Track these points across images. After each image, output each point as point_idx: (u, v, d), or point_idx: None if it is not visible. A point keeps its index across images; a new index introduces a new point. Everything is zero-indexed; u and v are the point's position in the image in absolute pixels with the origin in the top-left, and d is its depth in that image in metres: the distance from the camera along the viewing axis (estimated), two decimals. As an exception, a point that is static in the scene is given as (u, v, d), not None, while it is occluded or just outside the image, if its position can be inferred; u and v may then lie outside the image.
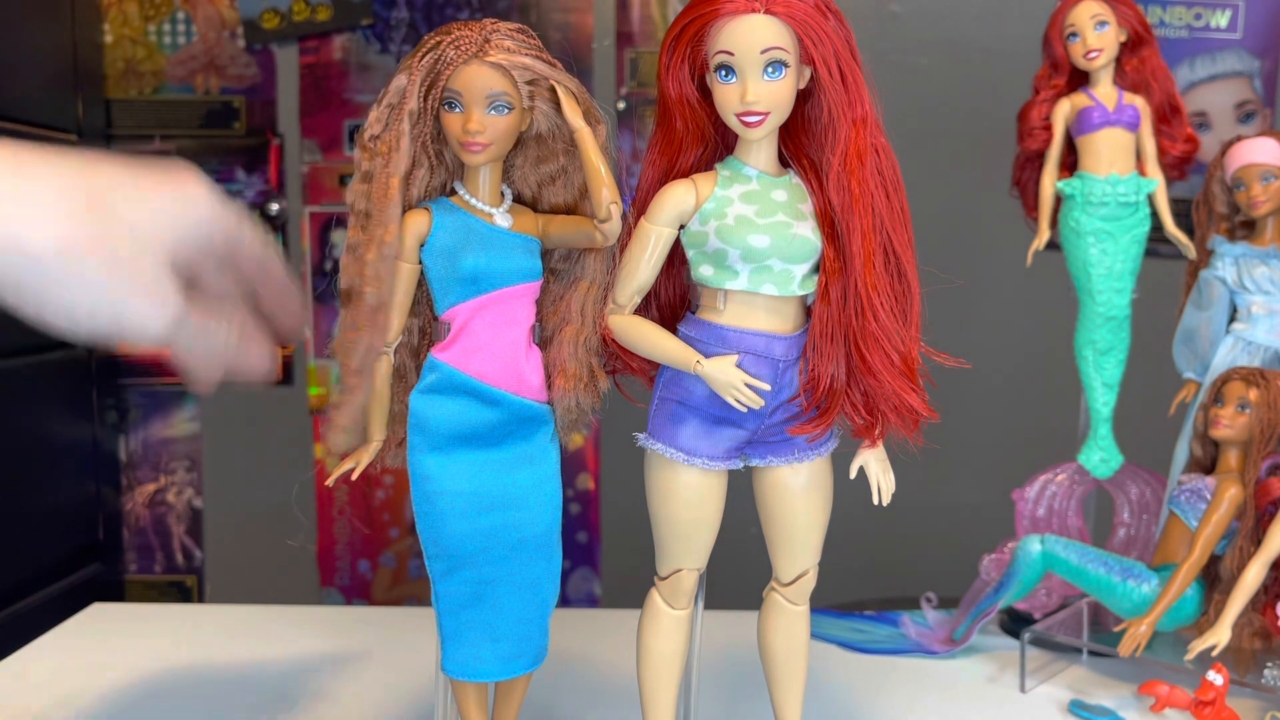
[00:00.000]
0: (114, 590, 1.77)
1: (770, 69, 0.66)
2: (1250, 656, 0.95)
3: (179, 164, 0.60)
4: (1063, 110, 1.07)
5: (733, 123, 0.68)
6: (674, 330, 0.71)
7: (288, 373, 1.77)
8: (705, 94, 0.70)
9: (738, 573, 0.97)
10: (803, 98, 0.70)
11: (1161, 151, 1.08)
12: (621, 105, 1.71)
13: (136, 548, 1.80)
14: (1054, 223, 1.09)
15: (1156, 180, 1.06)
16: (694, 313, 0.72)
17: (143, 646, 1.05)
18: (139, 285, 0.55)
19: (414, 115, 0.66)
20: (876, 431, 0.72)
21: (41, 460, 1.58)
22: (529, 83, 0.66)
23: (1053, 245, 1.09)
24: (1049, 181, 1.08)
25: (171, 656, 1.03)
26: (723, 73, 0.67)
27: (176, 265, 0.58)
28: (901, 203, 0.70)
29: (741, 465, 0.73)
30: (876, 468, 0.73)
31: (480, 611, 0.70)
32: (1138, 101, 1.06)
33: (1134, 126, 1.05)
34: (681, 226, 0.70)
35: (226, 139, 1.71)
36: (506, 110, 0.65)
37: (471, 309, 0.68)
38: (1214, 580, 0.96)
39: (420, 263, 0.68)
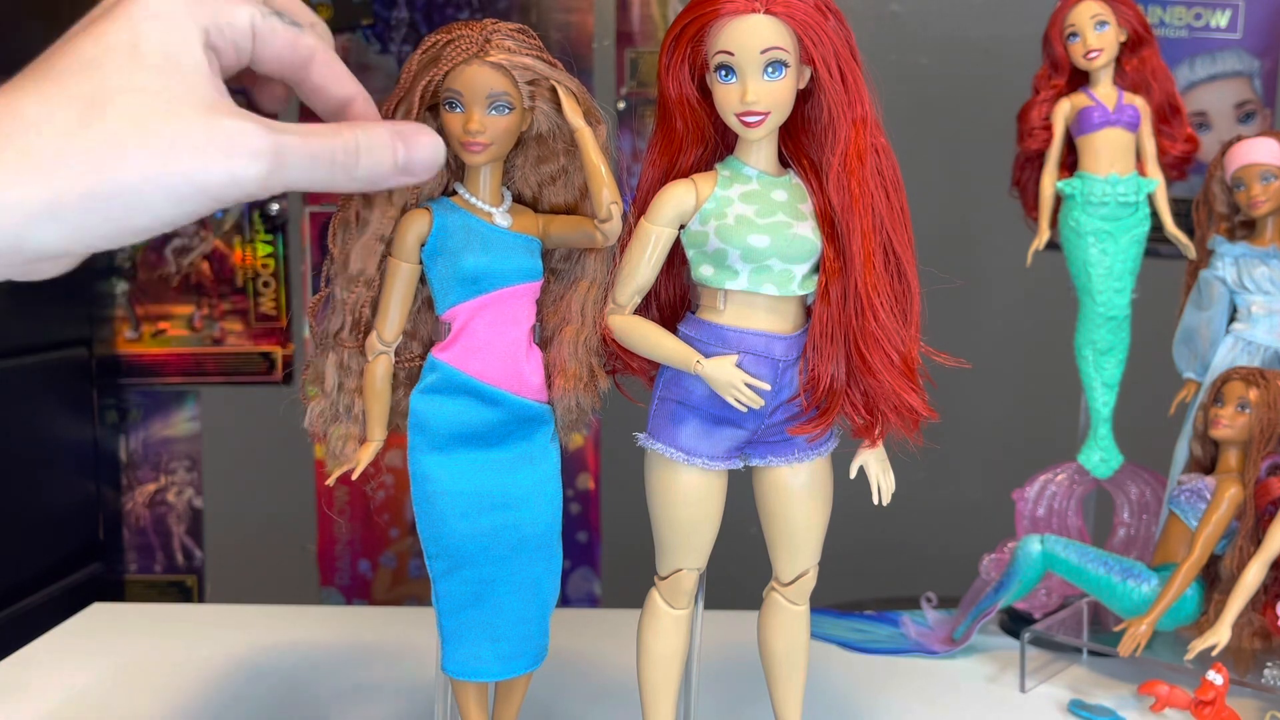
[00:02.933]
0: (114, 590, 1.77)
1: (770, 69, 0.66)
2: (1250, 656, 0.95)
3: None
4: (1063, 110, 1.07)
5: (733, 123, 0.68)
6: (674, 330, 0.72)
7: (288, 373, 1.77)
8: (705, 94, 0.70)
9: (738, 573, 0.97)
10: (803, 98, 0.70)
11: (1161, 151, 1.08)
12: (621, 105, 1.71)
13: (136, 548, 1.80)
14: (1054, 223, 1.09)
15: (1156, 180, 1.06)
16: (694, 312, 0.72)
17: (143, 646, 1.05)
18: (196, 154, 0.45)
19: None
20: (876, 431, 0.72)
21: (41, 460, 1.58)
22: (529, 83, 0.66)
23: (1053, 245, 1.09)
24: (1049, 181, 1.08)
25: (171, 656, 1.03)
26: (723, 73, 0.67)
27: (219, 89, 0.47)
28: (901, 203, 0.70)
29: (741, 465, 0.73)
30: (876, 468, 0.73)
31: (480, 611, 0.71)
32: (1138, 101, 1.06)
33: (1134, 126, 1.05)
34: (681, 226, 0.71)
35: (226, 139, 1.71)
36: (507, 110, 0.65)
37: (472, 309, 0.68)
38: (1214, 580, 0.96)
39: (420, 263, 0.68)
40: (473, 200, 0.68)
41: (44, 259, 0.45)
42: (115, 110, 0.44)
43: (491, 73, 0.65)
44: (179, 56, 0.47)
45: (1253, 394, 0.95)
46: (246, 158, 0.46)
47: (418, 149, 0.55)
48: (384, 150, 0.53)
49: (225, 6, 0.50)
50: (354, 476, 0.69)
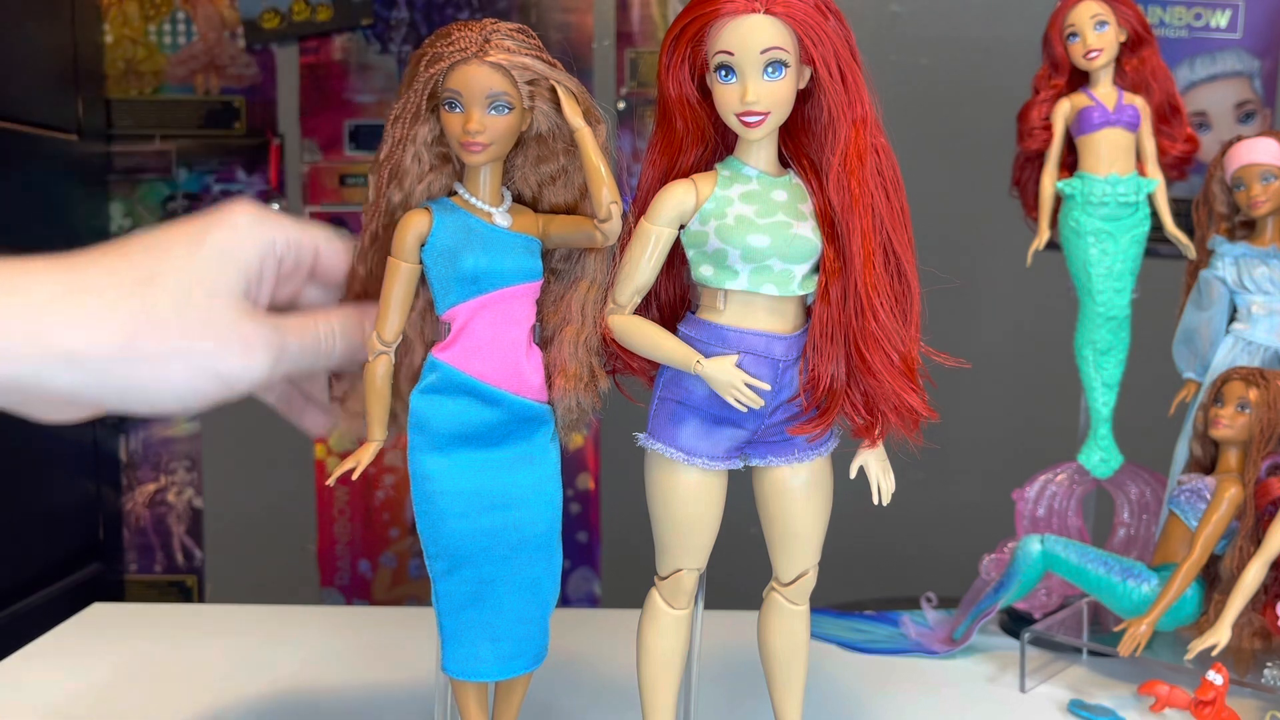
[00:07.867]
0: (114, 590, 1.77)
1: (770, 69, 0.66)
2: (1250, 656, 0.95)
3: (229, 203, 0.59)
4: (1063, 110, 1.07)
5: (733, 123, 0.68)
6: (674, 330, 0.72)
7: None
8: (705, 94, 0.70)
9: (738, 573, 0.97)
10: (803, 98, 0.70)
11: (1161, 151, 1.08)
12: (621, 105, 1.71)
13: (136, 548, 1.79)
14: (1054, 223, 1.09)
15: (1156, 180, 1.06)
16: (694, 312, 0.72)
17: (143, 646, 1.05)
18: (221, 341, 0.53)
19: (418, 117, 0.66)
20: (876, 431, 0.72)
21: (41, 460, 1.58)
22: (529, 83, 0.66)
23: (1053, 245, 1.09)
24: (1049, 181, 1.08)
25: (171, 656, 1.03)
26: (723, 73, 0.67)
27: (254, 297, 0.56)
28: (901, 203, 0.70)
29: (741, 465, 0.73)
30: (876, 468, 0.73)
31: (480, 611, 0.71)
32: (1138, 101, 1.06)
33: (1134, 126, 1.05)
34: (681, 226, 0.71)
35: (227, 139, 1.71)
36: (506, 110, 0.65)
37: (472, 309, 0.68)
38: (1214, 580, 0.96)
39: (420, 262, 0.68)
40: (472, 200, 0.68)
41: (57, 402, 0.53)
42: (163, 286, 0.52)
43: (491, 72, 0.65)
44: (233, 253, 0.56)
45: (1253, 394, 0.95)
46: (260, 354, 0.55)
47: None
48: (355, 331, 0.66)
49: (296, 229, 0.61)
50: (354, 477, 0.69)
